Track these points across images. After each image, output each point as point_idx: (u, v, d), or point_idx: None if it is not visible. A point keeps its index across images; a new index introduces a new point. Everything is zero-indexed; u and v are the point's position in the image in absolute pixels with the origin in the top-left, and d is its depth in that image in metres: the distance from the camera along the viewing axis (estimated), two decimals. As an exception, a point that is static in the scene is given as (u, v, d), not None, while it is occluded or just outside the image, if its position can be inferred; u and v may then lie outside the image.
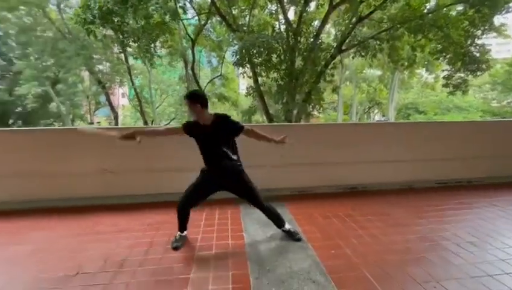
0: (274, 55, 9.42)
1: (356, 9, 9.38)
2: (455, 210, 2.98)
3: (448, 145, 3.89)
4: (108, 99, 18.25)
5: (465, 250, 2.16)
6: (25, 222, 2.80)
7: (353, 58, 12.03)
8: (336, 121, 21.84)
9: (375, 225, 2.62)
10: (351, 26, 9.74)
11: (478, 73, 10.42)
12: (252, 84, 11.16)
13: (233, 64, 10.03)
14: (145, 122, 18.30)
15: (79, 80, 18.36)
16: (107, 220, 2.80)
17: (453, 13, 9.61)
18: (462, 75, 10.97)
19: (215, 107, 19.60)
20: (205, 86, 16.90)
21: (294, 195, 3.52)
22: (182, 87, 20.56)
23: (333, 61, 10.35)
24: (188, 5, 10.52)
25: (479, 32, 9.84)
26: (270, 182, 3.38)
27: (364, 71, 22.70)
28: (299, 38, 9.85)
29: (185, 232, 2.37)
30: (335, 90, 14.15)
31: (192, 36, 12.73)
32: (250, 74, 10.58)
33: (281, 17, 11.12)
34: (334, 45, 10.52)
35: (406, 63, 11.84)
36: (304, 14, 10.07)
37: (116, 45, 13.26)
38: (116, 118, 18.54)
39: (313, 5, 11.29)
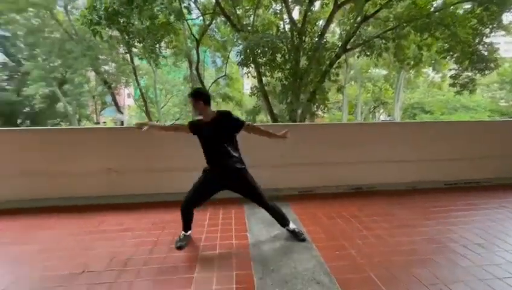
0: (278, 55, 9.38)
1: (361, 8, 9.30)
2: (463, 211, 2.93)
3: (456, 146, 3.83)
4: (114, 100, 18.45)
5: (472, 252, 2.12)
6: (31, 221, 2.84)
7: (358, 57, 11.90)
8: (340, 121, 21.71)
9: (381, 226, 2.59)
10: (356, 25, 9.65)
11: (486, 72, 10.26)
12: (257, 84, 11.15)
13: (237, 64, 10.04)
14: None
15: (85, 81, 18.59)
16: (113, 219, 2.83)
17: (460, 11, 9.47)
18: (470, 74, 10.81)
19: (219, 107, 19.49)
20: (210, 86, 16.96)
21: (299, 195, 3.50)
22: (186, 88, 20.65)
23: (338, 61, 10.27)
24: (193, 5, 10.57)
25: (487, 30, 9.68)
26: (274, 181, 3.37)
27: (369, 70, 22.48)
28: (303, 37, 9.80)
29: (189, 232, 2.37)
30: (340, 89, 14.03)
31: (196, 36, 12.78)
32: (255, 74, 10.56)
33: (285, 16, 11.09)
34: (339, 44, 10.44)
35: (412, 62, 11.70)
36: (309, 13, 10.02)
37: (121, 45, 13.43)
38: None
39: (317, 4, 11.22)
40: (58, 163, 3.23)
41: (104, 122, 25.08)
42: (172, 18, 9.33)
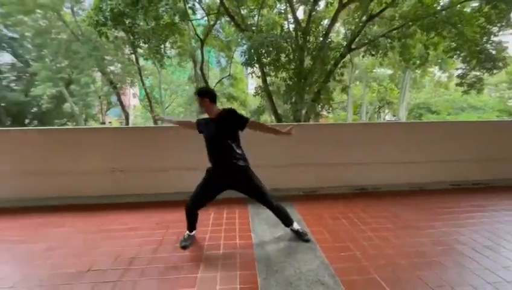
0: (283, 55, 9.37)
1: (366, 7, 9.22)
2: (471, 213, 2.89)
3: (463, 146, 3.78)
4: (119, 100, 18.59)
5: (480, 254, 2.08)
6: (38, 219, 2.88)
7: (363, 57, 11.78)
8: (345, 121, 21.57)
9: (386, 227, 2.57)
10: (361, 24, 9.57)
11: (494, 71, 10.09)
12: (261, 84, 11.14)
13: (242, 64, 10.05)
14: (155, 122, 18.55)
15: (91, 81, 18.82)
16: (118, 219, 2.85)
17: (468, 10, 9.33)
18: (477, 73, 10.66)
19: (223, 107, 19.61)
20: (214, 86, 16.99)
21: (303, 195, 3.49)
22: (191, 88, 20.75)
23: (343, 60, 10.21)
24: (197, 5, 10.58)
25: (496, 28, 9.52)
26: (278, 182, 3.37)
27: (374, 70, 22.27)
28: (308, 37, 9.77)
29: (194, 232, 2.38)
30: (344, 89, 13.95)
31: (201, 36, 12.80)
32: (259, 74, 10.56)
33: (289, 16, 11.06)
34: (344, 43, 10.38)
35: (418, 62, 11.54)
36: (313, 13, 9.96)
37: (127, 46, 13.55)
38: (127, 118, 18.90)
39: (322, 3, 11.17)
40: (64, 162, 3.27)
41: (110, 122, 25.35)
42: (177, 18, 9.40)
